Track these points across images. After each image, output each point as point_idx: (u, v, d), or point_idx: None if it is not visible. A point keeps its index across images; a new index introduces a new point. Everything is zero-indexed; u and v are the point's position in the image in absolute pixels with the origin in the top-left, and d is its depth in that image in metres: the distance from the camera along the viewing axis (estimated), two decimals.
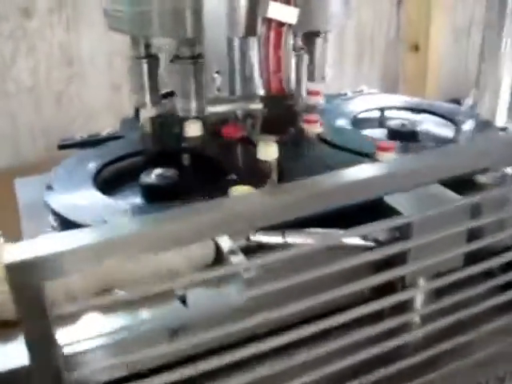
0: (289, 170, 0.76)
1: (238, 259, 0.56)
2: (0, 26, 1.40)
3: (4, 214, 0.81)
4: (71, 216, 0.67)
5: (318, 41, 0.85)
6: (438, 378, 0.69)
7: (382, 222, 0.61)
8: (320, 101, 0.95)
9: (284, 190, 0.52)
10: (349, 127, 0.91)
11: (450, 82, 1.92)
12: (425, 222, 0.63)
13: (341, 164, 0.76)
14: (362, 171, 0.56)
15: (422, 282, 0.66)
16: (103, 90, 1.57)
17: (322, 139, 0.84)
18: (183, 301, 0.58)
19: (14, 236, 0.73)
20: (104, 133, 0.92)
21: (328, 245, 0.63)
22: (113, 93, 1.58)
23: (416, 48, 1.89)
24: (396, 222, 0.60)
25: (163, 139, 0.89)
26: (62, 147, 0.89)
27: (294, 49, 0.77)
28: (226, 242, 0.59)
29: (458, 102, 1.85)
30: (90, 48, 1.52)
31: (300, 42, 0.81)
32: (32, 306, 0.40)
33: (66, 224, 0.68)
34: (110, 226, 0.51)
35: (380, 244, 0.65)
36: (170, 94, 0.90)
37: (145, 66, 0.85)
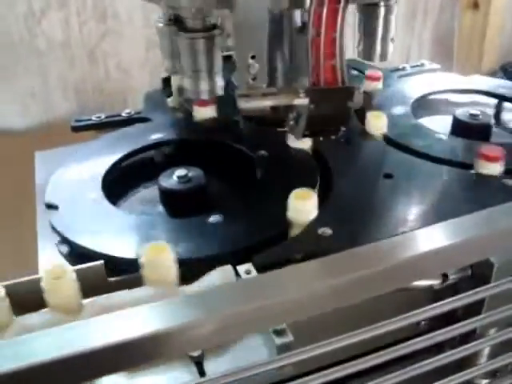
0: (336, 174, 0.59)
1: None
2: None
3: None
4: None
5: (381, 11, 0.65)
6: None
7: None
8: (379, 86, 0.77)
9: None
10: (406, 115, 0.72)
11: (510, 44, 1.69)
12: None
13: (400, 169, 0.61)
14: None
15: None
16: (138, 47, 1.44)
17: (389, 140, 0.67)
18: (198, 364, 0.43)
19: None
20: (123, 113, 0.76)
21: None
22: (148, 50, 1.45)
23: (475, 5, 1.65)
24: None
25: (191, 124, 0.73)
26: (76, 129, 0.74)
27: None
28: None
29: None
30: (125, 2, 1.37)
31: None
32: None
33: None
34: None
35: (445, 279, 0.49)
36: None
37: (173, 30, 0.67)
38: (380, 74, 0.77)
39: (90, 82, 1.40)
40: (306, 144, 0.65)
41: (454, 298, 0.42)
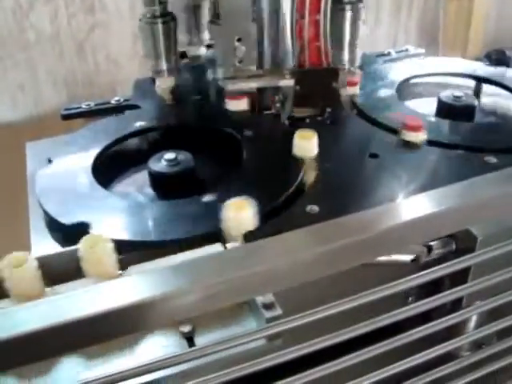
0: (322, 154, 0.60)
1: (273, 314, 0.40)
2: None
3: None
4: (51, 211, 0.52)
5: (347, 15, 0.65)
6: None
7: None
8: (357, 91, 0.76)
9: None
10: (391, 97, 0.72)
11: (495, 31, 1.69)
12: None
13: (385, 149, 0.61)
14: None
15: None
16: (127, 39, 1.43)
17: (358, 109, 0.67)
18: (189, 339, 0.44)
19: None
20: (113, 100, 0.76)
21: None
22: (137, 41, 1.44)
23: None
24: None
25: (180, 111, 0.73)
26: (65, 117, 0.74)
27: None
28: None
29: (503, 52, 1.65)
30: None
31: None
32: None
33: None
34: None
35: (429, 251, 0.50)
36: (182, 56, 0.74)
37: (160, 27, 0.67)
38: (358, 79, 0.76)
39: (80, 74, 1.40)
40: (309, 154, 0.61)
41: (438, 267, 0.42)
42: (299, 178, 0.53)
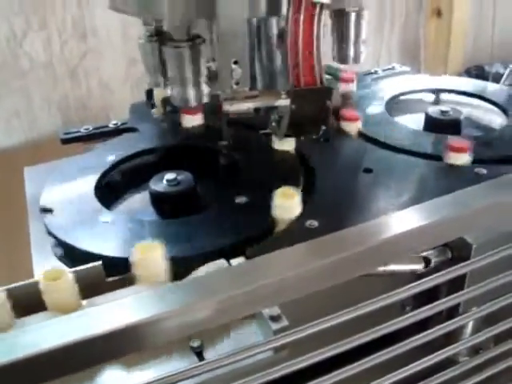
0: (319, 170, 0.61)
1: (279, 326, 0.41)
2: (10, 2, 1.26)
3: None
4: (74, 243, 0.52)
5: (352, 17, 0.66)
6: None
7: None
8: (353, 88, 0.78)
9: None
10: (384, 116, 0.74)
11: (473, 48, 1.72)
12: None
13: (379, 163, 0.62)
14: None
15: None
16: (119, 64, 1.45)
17: (364, 136, 0.69)
18: (199, 354, 0.44)
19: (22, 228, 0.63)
20: (111, 124, 0.76)
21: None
22: (129, 66, 1.46)
23: (438, 13, 1.69)
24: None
25: (175, 131, 0.73)
26: (65, 141, 0.74)
27: None
28: None
29: (481, 68, 1.68)
30: (103, 21, 1.38)
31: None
32: None
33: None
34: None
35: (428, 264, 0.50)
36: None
37: (156, 45, 0.68)
38: (354, 75, 0.78)
39: (73, 99, 1.40)
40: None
41: (435, 275, 0.43)
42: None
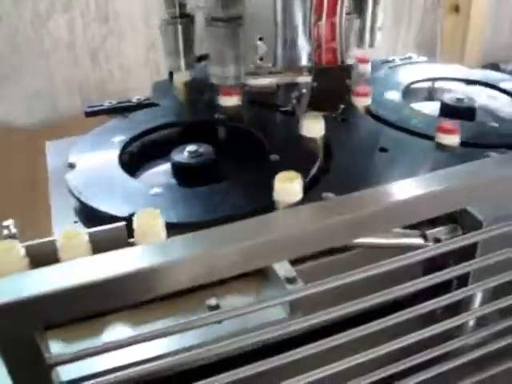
0: (336, 148, 0.62)
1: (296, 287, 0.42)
2: None
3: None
4: (90, 202, 0.54)
5: (369, 2, 0.68)
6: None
7: None
8: (368, 68, 0.80)
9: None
10: (400, 101, 0.75)
11: (491, 45, 1.72)
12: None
13: (394, 144, 0.64)
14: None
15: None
16: (139, 48, 1.46)
17: (371, 114, 0.70)
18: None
19: (44, 201, 0.65)
20: (134, 99, 0.78)
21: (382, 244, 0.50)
22: (149, 50, 1.47)
23: (456, 9, 1.69)
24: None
25: (199, 108, 0.75)
26: (88, 114, 0.76)
27: None
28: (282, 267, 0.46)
29: (497, 66, 1.68)
30: (125, 5, 1.39)
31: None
32: (25, 359, 0.28)
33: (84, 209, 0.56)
34: (136, 250, 0.37)
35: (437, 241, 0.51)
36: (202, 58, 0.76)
37: (179, 27, 0.70)
38: (368, 56, 0.80)
39: (94, 81, 1.42)
40: (317, 133, 0.62)
41: (446, 242, 0.44)
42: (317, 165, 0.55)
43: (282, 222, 0.38)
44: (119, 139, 0.65)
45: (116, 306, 0.36)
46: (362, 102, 0.69)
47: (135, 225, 0.45)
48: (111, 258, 0.34)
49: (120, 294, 0.31)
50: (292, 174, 0.50)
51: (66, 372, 0.34)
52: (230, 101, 0.71)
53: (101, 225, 0.49)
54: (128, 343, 0.33)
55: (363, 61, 0.79)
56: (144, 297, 0.34)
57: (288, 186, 0.49)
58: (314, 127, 0.58)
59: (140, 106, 0.76)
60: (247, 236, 0.36)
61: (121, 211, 0.52)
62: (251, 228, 0.37)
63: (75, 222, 0.56)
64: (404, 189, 0.41)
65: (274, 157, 0.58)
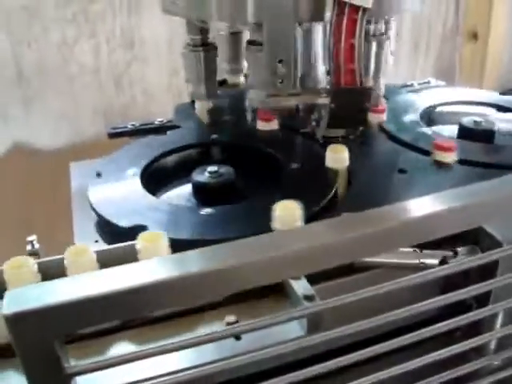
0: (355, 171, 0.62)
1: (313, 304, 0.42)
2: (64, 10, 1.31)
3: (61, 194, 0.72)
4: (108, 216, 0.55)
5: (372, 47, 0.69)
6: None
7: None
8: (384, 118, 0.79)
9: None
10: (417, 122, 0.75)
11: (509, 72, 1.72)
12: None
13: (412, 165, 0.63)
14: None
15: None
16: (162, 74, 1.48)
17: (386, 132, 0.70)
18: None
19: (67, 221, 0.66)
20: (156, 121, 0.79)
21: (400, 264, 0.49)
22: (172, 76, 1.49)
23: (475, 36, 1.69)
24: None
25: (221, 130, 0.76)
26: (112, 135, 0.77)
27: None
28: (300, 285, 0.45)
29: None
30: (150, 32, 1.42)
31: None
32: (44, 368, 0.28)
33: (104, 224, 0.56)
34: (154, 262, 0.37)
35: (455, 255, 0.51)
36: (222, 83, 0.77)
37: (201, 55, 0.71)
38: (384, 106, 0.76)
39: (117, 106, 1.44)
40: (342, 164, 0.61)
41: (465, 259, 0.44)
42: (334, 188, 0.55)
43: (298, 236, 0.38)
44: (144, 157, 0.66)
45: (134, 317, 0.36)
46: (376, 118, 0.69)
47: (139, 245, 0.45)
48: (131, 270, 0.34)
49: (139, 305, 0.32)
50: (291, 203, 0.49)
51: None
52: (267, 125, 0.72)
53: (113, 239, 0.49)
54: (146, 355, 0.33)
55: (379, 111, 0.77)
56: (160, 308, 0.34)
57: (287, 216, 0.48)
58: (338, 158, 0.58)
59: (162, 128, 0.77)
60: (263, 250, 0.36)
61: (125, 222, 0.53)
62: (266, 243, 0.37)
63: (96, 242, 0.57)
64: (421, 205, 0.41)
65: (288, 184, 0.58)
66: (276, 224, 0.48)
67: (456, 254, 0.49)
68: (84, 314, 0.29)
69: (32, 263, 0.43)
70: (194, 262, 0.34)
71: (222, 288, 0.35)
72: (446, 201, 0.40)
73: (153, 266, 0.34)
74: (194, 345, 0.35)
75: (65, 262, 0.44)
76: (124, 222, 0.53)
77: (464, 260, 0.43)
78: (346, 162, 0.58)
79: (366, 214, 0.39)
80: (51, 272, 0.44)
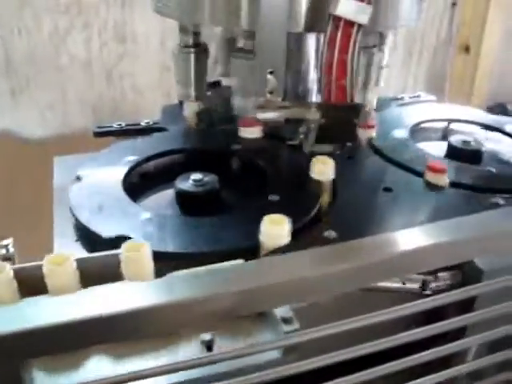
0: (341, 186, 0.61)
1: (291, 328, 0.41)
2: (57, 2, 1.29)
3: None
4: (86, 222, 0.53)
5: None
6: None
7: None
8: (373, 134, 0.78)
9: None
10: (405, 139, 0.74)
11: (498, 85, 1.72)
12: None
13: (399, 184, 0.62)
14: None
15: None
16: (153, 69, 1.46)
17: (374, 148, 0.69)
18: (209, 347, 0.44)
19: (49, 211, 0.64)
20: (143, 122, 0.77)
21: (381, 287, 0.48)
22: (162, 73, 1.47)
23: (466, 49, 1.69)
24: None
25: (208, 136, 0.74)
26: (97, 134, 0.75)
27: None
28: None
29: (504, 106, 1.67)
30: (143, 26, 1.40)
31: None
32: None
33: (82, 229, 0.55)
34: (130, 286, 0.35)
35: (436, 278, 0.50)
36: (216, 85, 0.76)
37: (192, 57, 0.70)
38: (374, 122, 0.74)
39: (107, 100, 1.42)
40: (326, 177, 0.59)
41: (444, 294, 0.43)
42: (318, 204, 0.54)
43: (282, 266, 0.37)
44: (127, 160, 0.65)
45: (103, 343, 0.34)
46: (365, 134, 0.68)
47: (122, 255, 0.44)
48: (102, 293, 0.32)
49: (108, 333, 0.30)
50: (280, 217, 0.49)
51: None
52: (250, 133, 0.69)
53: (94, 244, 0.47)
54: (111, 382, 0.31)
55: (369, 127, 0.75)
56: (135, 336, 0.33)
57: (274, 230, 0.48)
58: (323, 171, 0.57)
59: (148, 129, 0.76)
60: (246, 280, 0.35)
61: (107, 232, 0.51)
62: (250, 271, 0.36)
63: (76, 241, 0.55)
64: (409, 238, 0.40)
65: (274, 197, 0.57)
66: (263, 237, 0.48)
67: (436, 278, 0.48)
68: (54, 341, 0.28)
69: (7, 270, 0.42)
70: (177, 288, 0.34)
71: (203, 318, 0.34)
72: (434, 234, 0.39)
73: (128, 292, 0.33)
74: (168, 371, 0.34)
75: (44, 269, 0.43)
76: (106, 232, 0.51)
77: (443, 296, 0.42)
78: (331, 175, 0.56)
79: (350, 244, 0.38)
80: (29, 281, 0.42)
